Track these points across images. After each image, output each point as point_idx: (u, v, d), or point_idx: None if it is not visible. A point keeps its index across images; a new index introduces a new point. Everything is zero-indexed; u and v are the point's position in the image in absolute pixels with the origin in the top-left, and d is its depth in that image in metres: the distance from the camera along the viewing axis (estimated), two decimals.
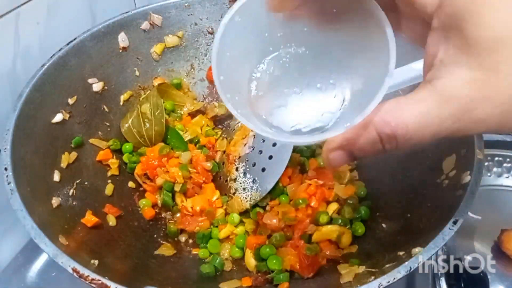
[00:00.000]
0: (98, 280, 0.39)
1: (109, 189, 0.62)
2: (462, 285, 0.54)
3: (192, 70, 0.77)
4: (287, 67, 0.38)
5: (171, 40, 0.74)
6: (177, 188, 0.62)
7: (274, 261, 0.52)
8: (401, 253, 0.46)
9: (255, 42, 0.37)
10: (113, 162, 0.64)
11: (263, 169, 0.60)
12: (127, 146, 0.66)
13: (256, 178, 0.60)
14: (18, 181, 0.47)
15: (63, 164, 0.57)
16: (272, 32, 0.37)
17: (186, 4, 0.73)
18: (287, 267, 0.52)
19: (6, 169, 0.47)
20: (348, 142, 0.31)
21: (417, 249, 0.43)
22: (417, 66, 0.55)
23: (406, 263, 0.41)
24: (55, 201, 0.52)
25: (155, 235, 0.60)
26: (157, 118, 0.66)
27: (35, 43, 0.63)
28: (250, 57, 0.38)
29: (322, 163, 0.63)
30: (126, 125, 0.67)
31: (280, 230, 0.57)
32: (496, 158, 0.71)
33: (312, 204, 0.59)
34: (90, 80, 0.65)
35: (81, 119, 0.63)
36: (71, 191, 0.56)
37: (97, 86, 0.66)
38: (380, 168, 0.65)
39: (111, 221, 0.57)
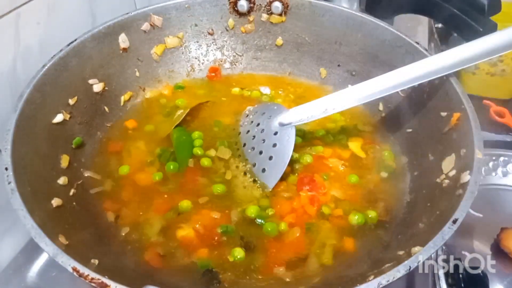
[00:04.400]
0: (98, 279, 0.39)
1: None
2: (462, 285, 0.54)
3: (192, 71, 0.77)
4: None
5: (171, 41, 0.74)
6: None
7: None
8: (401, 252, 0.46)
9: None
10: None
11: (264, 170, 0.60)
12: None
13: (256, 179, 0.60)
14: (19, 181, 0.47)
15: (64, 165, 0.57)
16: None
17: (186, 5, 0.73)
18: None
19: (6, 169, 0.47)
20: None
21: (416, 248, 0.43)
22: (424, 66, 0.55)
23: (406, 262, 0.41)
24: (55, 201, 0.52)
25: None
26: None
27: (35, 43, 0.63)
28: None
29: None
30: None
31: None
32: (502, 158, 0.72)
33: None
34: (90, 81, 0.65)
35: (82, 120, 0.63)
36: (72, 191, 0.56)
37: (97, 87, 0.66)
38: None
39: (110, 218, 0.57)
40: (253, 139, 0.63)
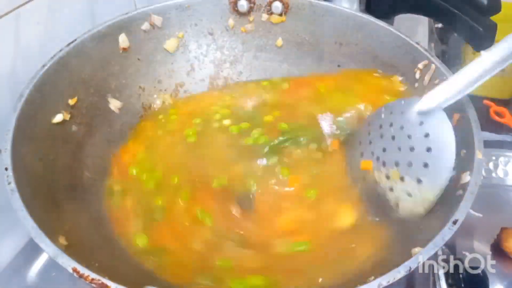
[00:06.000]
0: (98, 280, 0.39)
1: None
2: (462, 285, 0.54)
3: (192, 71, 0.77)
4: None
5: (171, 41, 0.74)
6: None
7: None
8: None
9: None
10: None
11: (426, 165, 0.51)
12: None
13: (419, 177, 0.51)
14: (19, 181, 0.47)
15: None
16: None
17: (186, 5, 0.73)
18: None
19: (6, 169, 0.47)
20: None
21: (416, 249, 0.43)
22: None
23: (406, 262, 0.41)
24: (56, 201, 0.52)
25: None
26: None
27: (35, 43, 0.63)
28: None
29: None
30: None
31: None
32: (502, 158, 0.72)
33: None
34: (90, 81, 0.65)
35: (82, 120, 0.63)
36: (72, 191, 0.56)
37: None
38: None
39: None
40: (393, 140, 0.54)
